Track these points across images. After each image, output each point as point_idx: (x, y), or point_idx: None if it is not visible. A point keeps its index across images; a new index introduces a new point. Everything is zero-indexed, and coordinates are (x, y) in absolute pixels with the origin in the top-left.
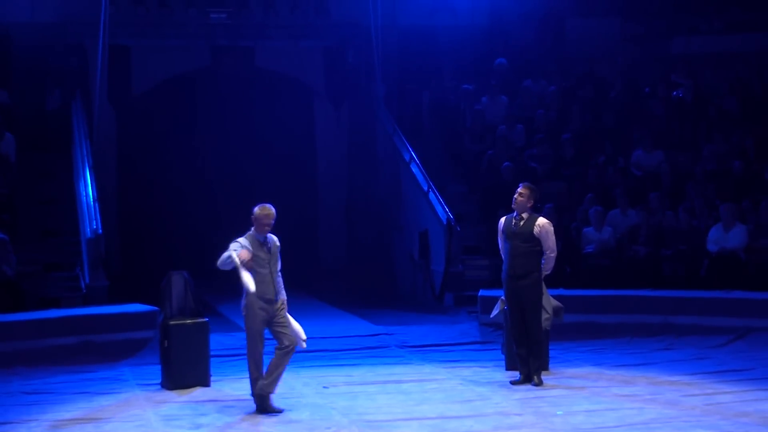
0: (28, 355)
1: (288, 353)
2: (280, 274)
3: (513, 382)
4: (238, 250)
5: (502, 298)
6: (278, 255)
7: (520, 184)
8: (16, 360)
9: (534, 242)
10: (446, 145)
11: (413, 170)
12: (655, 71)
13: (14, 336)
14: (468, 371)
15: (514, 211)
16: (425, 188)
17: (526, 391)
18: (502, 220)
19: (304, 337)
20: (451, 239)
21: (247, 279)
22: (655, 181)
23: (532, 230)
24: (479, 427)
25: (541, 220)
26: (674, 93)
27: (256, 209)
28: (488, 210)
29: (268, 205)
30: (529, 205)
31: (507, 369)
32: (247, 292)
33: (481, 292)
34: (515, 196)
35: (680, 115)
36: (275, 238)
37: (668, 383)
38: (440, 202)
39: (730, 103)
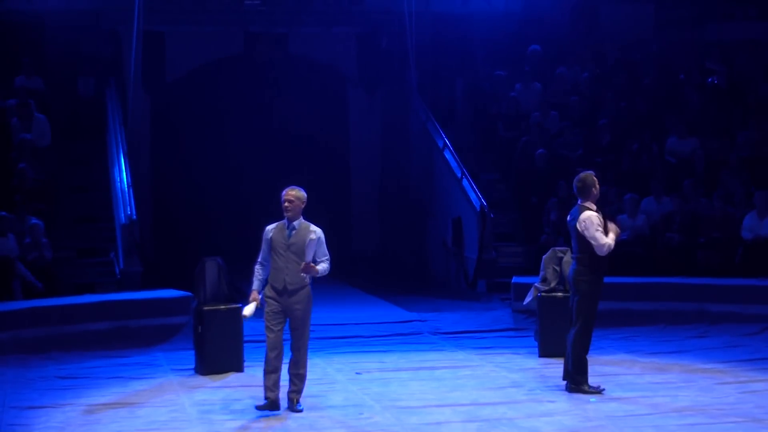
0: (62, 340)
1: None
2: (321, 266)
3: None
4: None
5: (536, 285)
6: (306, 247)
7: (592, 172)
8: (51, 345)
9: None
10: (480, 131)
11: (446, 157)
12: (690, 58)
13: (49, 321)
14: (501, 358)
15: (576, 204)
16: (458, 175)
17: (559, 378)
18: (598, 215)
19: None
20: (484, 226)
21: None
22: (689, 168)
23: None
24: (512, 414)
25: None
26: (709, 80)
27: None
28: (522, 197)
29: (291, 186)
30: None
31: (540, 356)
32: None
33: (515, 279)
34: (598, 190)
35: (715, 101)
36: (312, 230)
37: (702, 371)
38: (473, 189)
39: (765, 90)
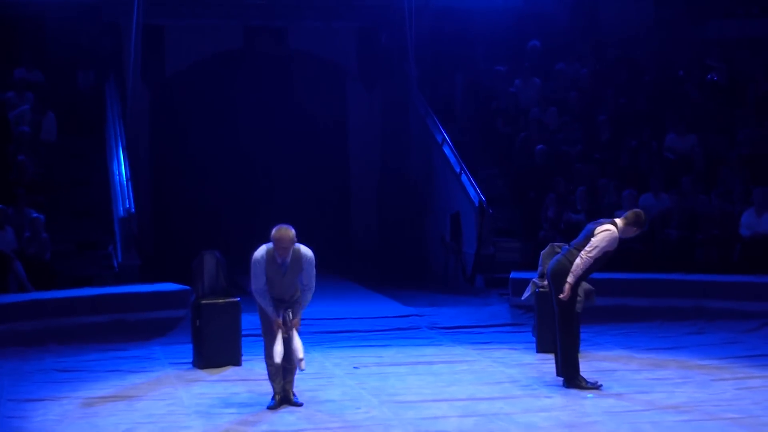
0: (61, 333)
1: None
2: (307, 291)
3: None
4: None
5: (534, 280)
6: (299, 271)
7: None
8: (49, 338)
9: None
10: (479, 127)
11: (445, 152)
12: (690, 55)
13: (47, 314)
14: (498, 353)
15: (608, 220)
16: (457, 170)
17: (556, 374)
18: (616, 240)
19: (301, 356)
20: (482, 221)
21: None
22: (688, 165)
23: None
24: (509, 409)
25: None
26: (708, 76)
27: (273, 231)
28: (520, 192)
29: (284, 227)
30: None
31: (538, 351)
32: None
33: (513, 275)
34: (638, 232)
35: (714, 98)
36: (303, 258)
37: (699, 367)
38: (472, 184)
39: (765, 88)
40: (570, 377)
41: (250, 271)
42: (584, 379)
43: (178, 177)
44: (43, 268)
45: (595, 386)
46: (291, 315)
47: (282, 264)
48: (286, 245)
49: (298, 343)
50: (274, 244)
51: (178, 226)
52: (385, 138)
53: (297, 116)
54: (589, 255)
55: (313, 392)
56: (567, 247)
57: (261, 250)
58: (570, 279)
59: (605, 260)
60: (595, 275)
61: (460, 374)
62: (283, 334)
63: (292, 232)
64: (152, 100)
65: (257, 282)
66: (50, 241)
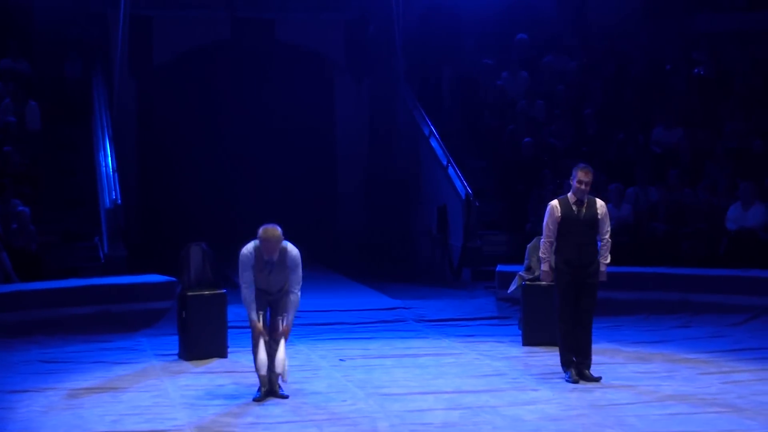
0: (46, 324)
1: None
2: (292, 292)
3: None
4: (251, 303)
5: (520, 273)
6: (287, 270)
7: (583, 166)
8: (35, 329)
9: (596, 227)
10: (466, 119)
11: (433, 145)
12: (677, 48)
13: (33, 305)
14: (485, 346)
15: (562, 194)
16: (444, 163)
17: (542, 367)
18: (557, 204)
19: (280, 371)
20: (469, 214)
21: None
22: (675, 159)
23: (597, 214)
24: (495, 402)
25: (601, 202)
26: (695, 70)
27: (260, 231)
28: (507, 185)
29: (271, 227)
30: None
31: (523, 344)
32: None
33: (499, 268)
34: (582, 184)
35: (701, 92)
36: (289, 257)
37: (685, 361)
38: (459, 177)
39: (752, 81)
40: (561, 362)
41: (237, 265)
42: (572, 372)
43: (165, 168)
44: (29, 259)
45: (576, 382)
46: (283, 321)
47: (269, 262)
48: (273, 245)
49: (281, 353)
50: (261, 244)
51: (165, 218)
52: (373, 130)
53: (284, 108)
54: (543, 237)
55: (299, 384)
56: None
57: (249, 247)
58: (544, 267)
59: (570, 230)
60: None
61: (446, 367)
62: (264, 337)
63: (279, 231)
64: (139, 90)
65: (243, 276)
66: (36, 232)
